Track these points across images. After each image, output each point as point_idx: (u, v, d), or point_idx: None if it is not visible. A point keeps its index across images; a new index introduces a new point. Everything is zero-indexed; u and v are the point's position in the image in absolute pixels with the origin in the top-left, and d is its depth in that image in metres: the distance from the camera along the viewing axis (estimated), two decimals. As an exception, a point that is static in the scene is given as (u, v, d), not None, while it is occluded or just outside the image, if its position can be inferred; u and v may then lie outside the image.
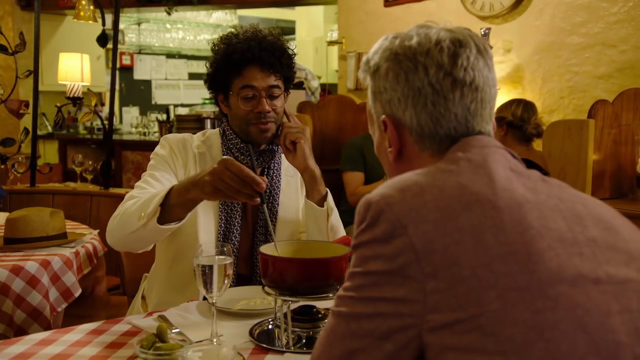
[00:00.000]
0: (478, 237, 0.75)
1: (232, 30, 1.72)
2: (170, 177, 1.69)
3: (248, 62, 1.65)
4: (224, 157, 1.34)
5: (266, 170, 1.77)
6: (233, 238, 1.69)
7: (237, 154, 1.72)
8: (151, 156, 1.74)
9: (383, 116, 0.95)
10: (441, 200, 0.79)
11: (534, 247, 0.75)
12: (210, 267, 1.22)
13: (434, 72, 0.89)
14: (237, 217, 1.70)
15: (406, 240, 0.76)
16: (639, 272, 0.80)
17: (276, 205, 1.76)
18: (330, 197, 1.74)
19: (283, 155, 1.78)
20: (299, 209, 1.80)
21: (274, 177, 1.77)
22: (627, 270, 0.79)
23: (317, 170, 1.71)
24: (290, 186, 1.81)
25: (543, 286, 0.73)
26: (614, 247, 0.81)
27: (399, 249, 0.76)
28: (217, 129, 1.80)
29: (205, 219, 1.66)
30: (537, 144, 3.22)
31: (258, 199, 1.36)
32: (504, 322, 0.72)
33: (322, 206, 1.69)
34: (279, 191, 1.77)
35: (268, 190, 1.75)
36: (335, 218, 1.75)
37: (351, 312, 0.79)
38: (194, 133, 1.83)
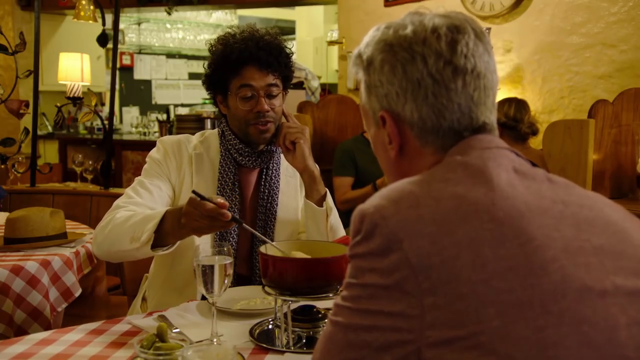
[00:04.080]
0: (476, 251, 0.72)
1: (230, 30, 1.72)
2: (162, 183, 1.69)
3: (246, 61, 1.65)
4: (191, 195, 1.34)
5: (265, 170, 1.77)
6: (230, 239, 1.69)
7: (235, 154, 1.72)
8: (146, 159, 1.75)
9: (381, 111, 0.89)
10: (437, 213, 0.75)
11: (537, 259, 0.72)
12: (211, 267, 1.22)
13: (433, 62, 0.84)
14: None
15: (402, 256, 0.73)
16: None
17: (275, 206, 1.76)
18: (329, 197, 1.74)
19: (282, 155, 1.78)
20: (298, 209, 1.80)
21: (273, 177, 1.77)
22: (636, 279, 0.76)
23: (316, 171, 1.72)
24: (290, 186, 1.81)
25: (546, 301, 0.70)
26: (623, 255, 0.77)
27: (394, 264, 0.73)
28: (216, 130, 1.81)
29: None
30: (536, 144, 3.22)
31: (234, 224, 1.36)
32: (504, 340, 0.69)
33: (322, 206, 1.70)
34: (278, 191, 1.77)
35: (267, 191, 1.75)
36: (335, 218, 1.75)
37: (349, 323, 0.77)
38: (194, 133, 1.83)
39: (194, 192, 1.33)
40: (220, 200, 1.30)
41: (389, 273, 0.74)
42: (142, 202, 1.61)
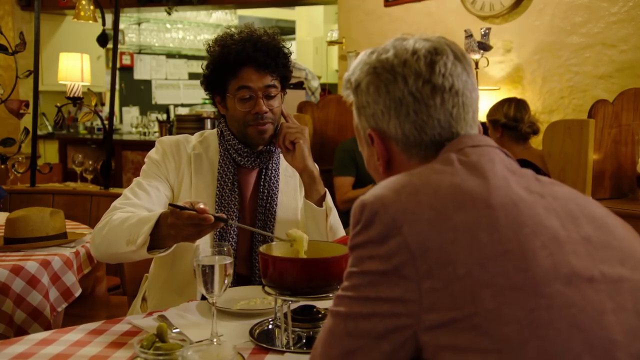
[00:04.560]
0: (472, 236, 0.76)
1: (228, 31, 1.72)
2: (160, 184, 1.69)
3: (243, 63, 1.65)
4: (170, 208, 1.36)
5: (264, 170, 1.77)
6: (230, 239, 1.69)
7: (234, 154, 1.72)
8: (145, 159, 1.75)
9: (369, 130, 0.96)
10: (435, 200, 0.79)
11: (529, 245, 0.76)
12: (211, 267, 1.22)
13: (412, 81, 0.91)
14: (234, 217, 1.70)
15: (401, 240, 0.77)
16: (633, 271, 0.81)
17: (275, 206, 1.76)
18: (329, 197, 1.74)
19: (282, 155, 1.79)
20: (298, 209, 1.80)
21: (272, 178, 1.77)
22: (622, 269, 0.80)
23: (315, 171, 1.72)
24: (289, 186, 1.81)
25: (538, 285, 0.74)
26: (608, 246, 0.82)
27: (394, 249, 0.77)
28: (215, 130, 1.81)
29: None
30: (537, 144, 3.22)
31: (222, 224, 1.37)
32: (498, 321, 0.72)
33: (321, 206, 1.70)
34: (278, 191, 1.77)
35: (266, 191, 1.76)
36: (334, 218, 1.75)
37: (349, 311, 0.80)
38: (194, 133, 1.83)
39: (170, 205, 1.35)
40: (200, 205, 1.31)
41: (388, 258, 0.77)
42: (140, 203, 1.62)
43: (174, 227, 1.37)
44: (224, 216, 1.36)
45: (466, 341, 0.73)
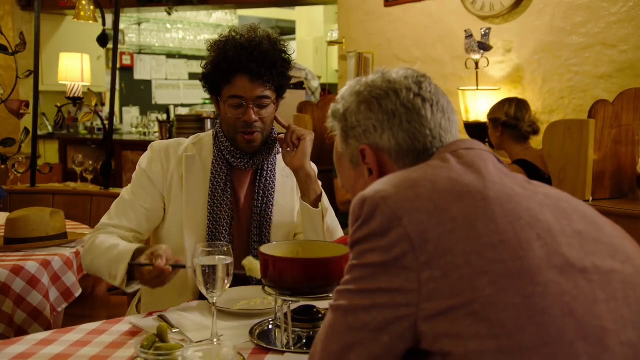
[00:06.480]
0: (470, 226, 0.79)
1: (231, 32, 1.70)
2: (148, 196, 1.72)
3: (237, 71, 1.64)
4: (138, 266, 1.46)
5: (260, 171, 1.77)
6: (222, 239, 1.69)
7: (227, 156, 1.72)
8: (137, 166, 1.78)
9: (360, 147, 1.01)
10: (434, 193, 0.82)
11: (524, 236, 0.79)
12: (211, 267, 1.22)
13: (405, 94, 0.98)
14: (227, 218, 1.70)
15: (401, 231, 0.79)
16: (623, 265, 0.83)
17: (270, 206, 1.75)
18: (324, 197, 1.74)
19: (278, 156, 1.79)
20: (294, 210, 1.79)
21: (269, 178, 1.77)
22: (612, 262, 0.83)
23: (312, 172, 1.72)
24: (286, 187, 1.81)
25: (533, 273, 0.77)
26: (599, 240, 0.84)
27: (394, 240, 0.79)
28: (211, 131, 1.81)
29: (191, 223, 1.69)
30: (537, 144, 3.22)
31: (181, 269, 1.45)
32: (496, 307, 0.75)
33: (317, 207, 1.69)
34: (274, 192, 1.77)
35: (262, 192, 1.75)
36: (332, 219, 1.74)
37: (349, 305, 0.82)
38: (194, 133, 1.84)
39: (129, 264, 1.47)
40: (159, 260, 1.39)
41: (388, 249, 0.80)
42: (124, 225, 1.68)
43: (140, 279, 1.48)
44: (182, 261, 1.45)
45: (464, 328, 0.75)
